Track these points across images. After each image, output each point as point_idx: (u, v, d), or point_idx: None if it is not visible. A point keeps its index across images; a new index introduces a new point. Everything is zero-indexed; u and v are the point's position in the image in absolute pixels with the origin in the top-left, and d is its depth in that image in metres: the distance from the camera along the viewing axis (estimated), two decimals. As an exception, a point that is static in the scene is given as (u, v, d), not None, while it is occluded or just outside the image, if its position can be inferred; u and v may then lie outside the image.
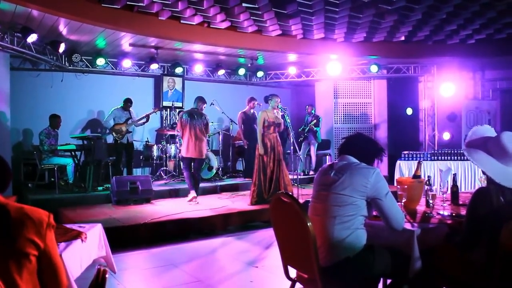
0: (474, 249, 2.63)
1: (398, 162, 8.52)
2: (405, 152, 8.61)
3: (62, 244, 3.24)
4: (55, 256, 1.71)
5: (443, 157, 8.32)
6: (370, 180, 2.66)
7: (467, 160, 7.84)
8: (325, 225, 2.68)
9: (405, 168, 8.40)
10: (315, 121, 10.57)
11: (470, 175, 8.01)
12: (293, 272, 2.94)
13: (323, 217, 2.71)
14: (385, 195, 2.68)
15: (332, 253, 2.66)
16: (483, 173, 2.73)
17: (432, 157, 8.36)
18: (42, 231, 1.66)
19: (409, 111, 11.82)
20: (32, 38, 7.17)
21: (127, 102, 9.30)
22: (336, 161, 2.92)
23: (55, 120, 8.42)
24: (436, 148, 10.91)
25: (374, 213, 2.86)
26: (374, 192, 2.66)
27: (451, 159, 8.22)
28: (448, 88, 10.72)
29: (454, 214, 3.20)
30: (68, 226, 3.87)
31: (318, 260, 2.57)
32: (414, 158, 8.35)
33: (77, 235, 3.50)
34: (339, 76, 11.28)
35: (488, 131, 2.84)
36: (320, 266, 2.58)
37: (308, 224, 2.55)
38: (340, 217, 2.66)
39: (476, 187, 3.60)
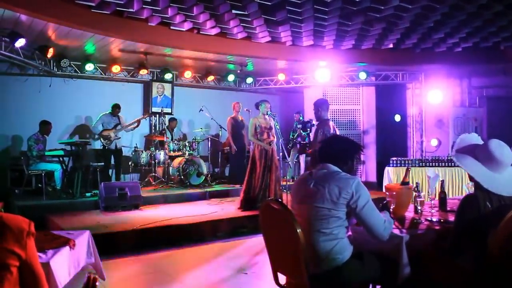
0: (462, 254, 2.66)
1: (386, 168, 8.57)
2: (394, 158, 8.66)
3: (50, 251, 3.21)
4: (36, 265, 1.67)
5: (431, 164, 8.40)
6: (350, 191, 2.63)
7: (454, 166, 7.95)
8: (309, 240, 2.65)
9: (393, 175, 8.45)
10: (304, 125, 10.47)
11: (458, 181, 8.08)
12: (282, 279, 2.94)
13: (306, 231, 2.65)
14: (365, 205, 2.64)
15: (320, 263, 2.66)
16: (471, 179, 2.77)
17: (420, 164, 8.43)
18: (23, 241, 1.61)
19: (397, 117, 11.89)
20: (20, 43, 7.12)
21: (116, 108, 9.28)
22: (315, 169, 2.86)
23: (45, 127, 8.35)
24: (424, 155, 11.00)
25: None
26: (354, 202, 2.63)
27: (439, 166, 8.29)
28: (435, 95, 10.84)
29: (442, 220, 3.23)
30: (56, 233, 3.85)
31: (307, 267, 2.57)
32: (402, 165, 8.41)
33: (66, 242, 3.48)
34: (328, 83, 11.33)
35: (475, 139, 2.89)
36: (309, 273, 2.58)
37: (298, 230, 2.55)
38: (323, 230, 2.65)
39: (464, 194, 3.64)
